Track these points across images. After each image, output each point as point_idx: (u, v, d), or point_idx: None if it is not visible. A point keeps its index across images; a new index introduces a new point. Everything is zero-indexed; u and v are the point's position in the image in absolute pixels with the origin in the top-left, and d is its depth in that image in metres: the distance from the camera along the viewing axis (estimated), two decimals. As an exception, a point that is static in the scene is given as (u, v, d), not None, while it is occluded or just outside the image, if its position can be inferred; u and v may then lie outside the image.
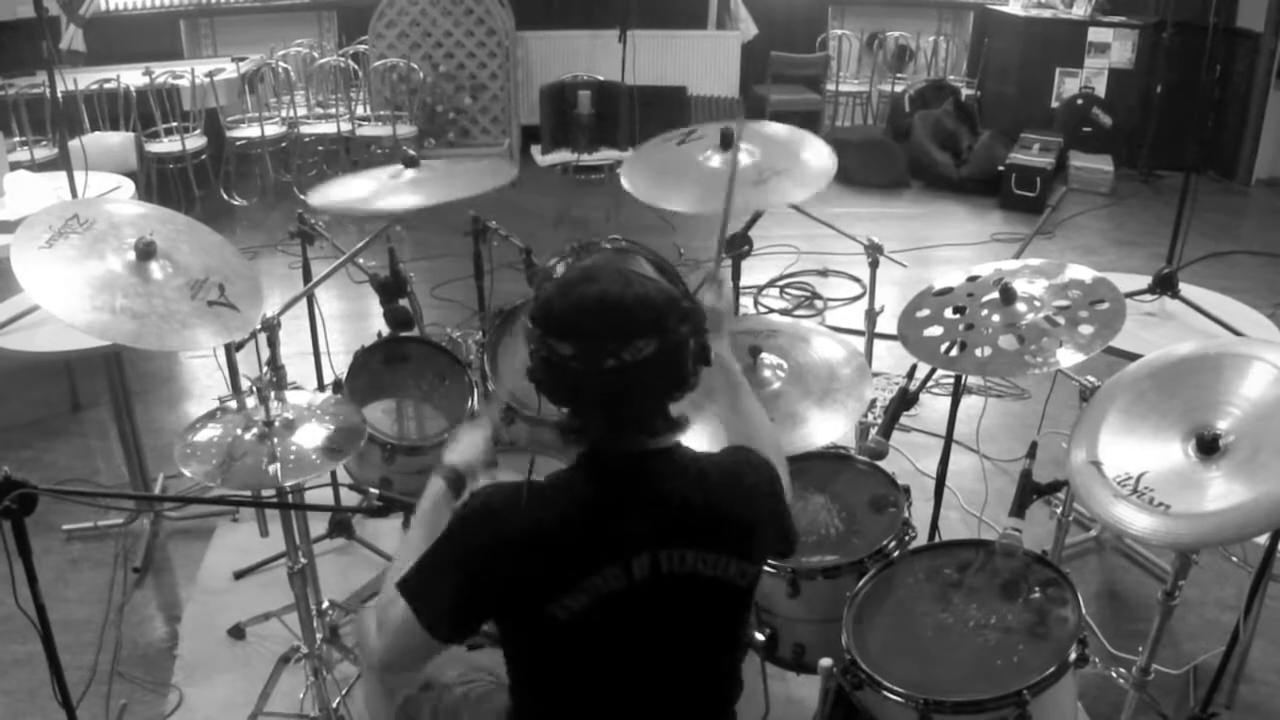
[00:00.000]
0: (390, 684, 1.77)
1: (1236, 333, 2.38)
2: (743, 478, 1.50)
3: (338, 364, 2.93)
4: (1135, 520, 1.64)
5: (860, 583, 1.92)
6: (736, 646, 1.56)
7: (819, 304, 4.99)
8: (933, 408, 3.81)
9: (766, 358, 2.31)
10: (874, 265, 2.92)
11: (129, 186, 4.00)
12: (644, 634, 1.42)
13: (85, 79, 5.75)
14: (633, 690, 1.47)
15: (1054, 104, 7.36)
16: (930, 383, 2.36)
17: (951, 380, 2.97)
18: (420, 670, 1.65)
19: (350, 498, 3.10)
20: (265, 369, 2.53)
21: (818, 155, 2.73)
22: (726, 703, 1.59)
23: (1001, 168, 6.66)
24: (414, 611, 1.38)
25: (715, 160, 2.76)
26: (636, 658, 1.44)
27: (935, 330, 2.17)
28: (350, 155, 6.49)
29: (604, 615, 1.37)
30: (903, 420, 2.79)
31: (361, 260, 2.81)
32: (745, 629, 1.57)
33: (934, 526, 2.51)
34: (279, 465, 1.94)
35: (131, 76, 5.89)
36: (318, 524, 3.07)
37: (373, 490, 2.64)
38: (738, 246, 2.74)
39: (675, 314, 1.36)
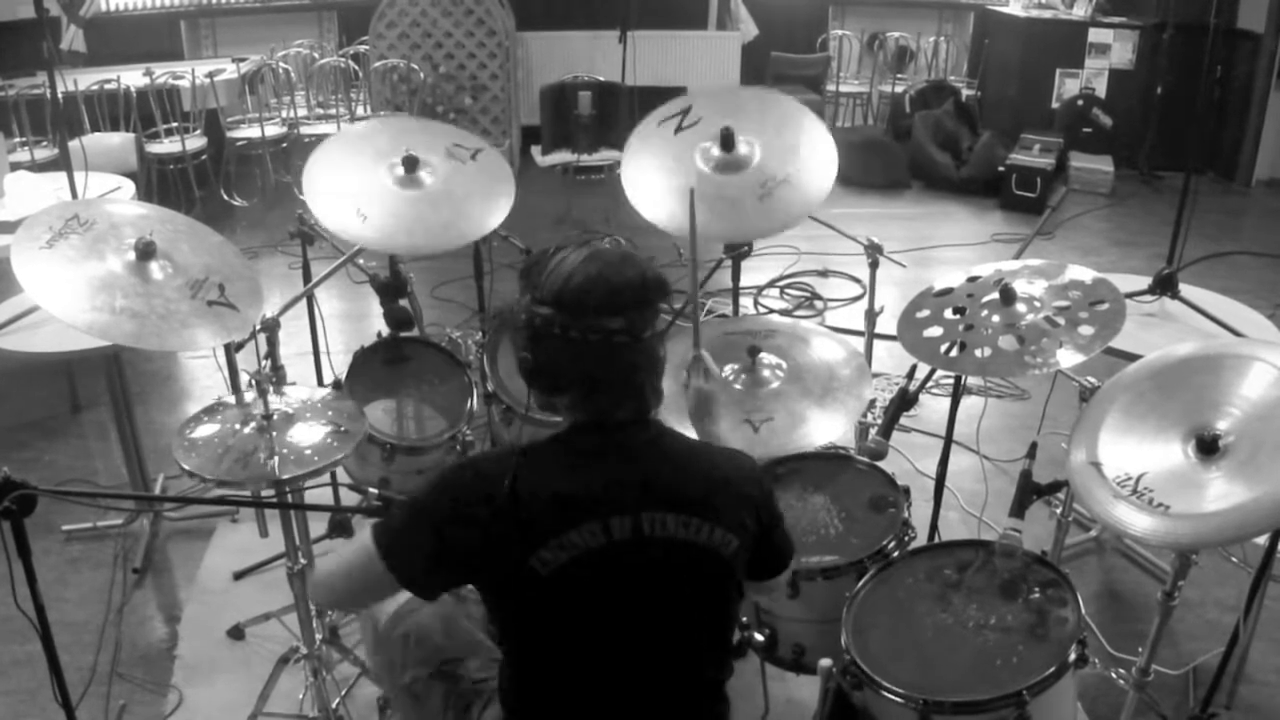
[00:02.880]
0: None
1: (1236, 333, 2.38)
2: (726, 455, 1.58)
3: (337, 364, 2.93)
4: (1135, 521, 1.64)
5: (860, 583, 1.92)
6: (723, 622, 1.57)
7: (819, 304, 4.99)
8: (932, 408, 3.81)
9: (766, 358, 2.31)
10: (874, 266, 2.92)
11: (129, 187, 4.00)
12: (626, 595, 1.45)
13: (85, 79, 5.75)
14: (620, 655, 1.48)
15: (1054, 105, 7.36)
16: (930, 383, 2.36)
17: (951, 381, 2.98)
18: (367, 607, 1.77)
19: (350, 498, 3.10)
20: (264, 361, 2.53)
21: (819, 149, 2.74)
22: (714, 682, 1.59)
23: (1002, 168, 6.66)
24: (389, 568, 1.44)
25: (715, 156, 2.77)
26: (620, 619, 1.46)
27: (935, 331, 2.17)
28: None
29: (584, 572, 1.40)
30: (902, 421, 2.79)
31: (361, 260, 2.81)
32: (733, 605, 1.57)
33: (934, 527, 2.51)
34: (278, 459, 1.93)
35: (132, 77, 5.89)
36: (317, 525, 3.06)
37: (372, 490, 2.63)
38: (737, 248, 2.74)
39: (667, 289, 1.47)
